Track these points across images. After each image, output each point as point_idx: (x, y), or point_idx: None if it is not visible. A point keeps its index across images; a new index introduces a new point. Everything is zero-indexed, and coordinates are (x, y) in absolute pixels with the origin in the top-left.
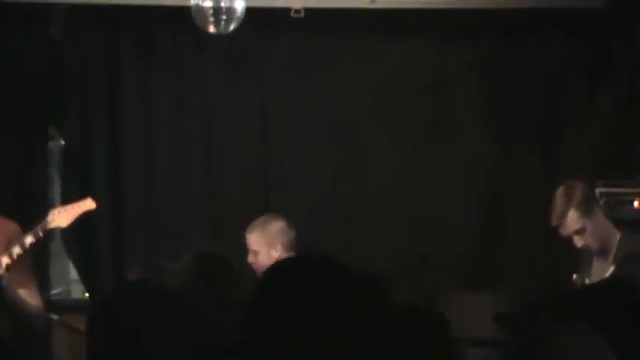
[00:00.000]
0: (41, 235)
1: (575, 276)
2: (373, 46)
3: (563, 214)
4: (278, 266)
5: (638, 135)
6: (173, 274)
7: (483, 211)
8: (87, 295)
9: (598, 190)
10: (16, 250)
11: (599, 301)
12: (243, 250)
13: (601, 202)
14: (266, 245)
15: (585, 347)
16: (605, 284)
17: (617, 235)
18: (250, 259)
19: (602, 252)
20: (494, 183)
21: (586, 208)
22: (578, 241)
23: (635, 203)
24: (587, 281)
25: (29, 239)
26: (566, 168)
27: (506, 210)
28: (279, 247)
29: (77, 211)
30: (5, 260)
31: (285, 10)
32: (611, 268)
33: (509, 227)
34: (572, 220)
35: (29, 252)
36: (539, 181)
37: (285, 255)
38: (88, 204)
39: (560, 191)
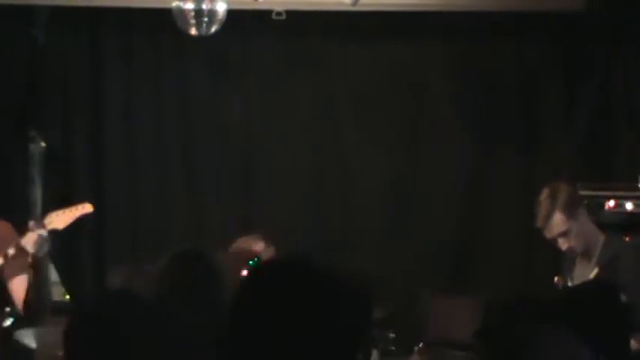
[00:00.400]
0: (38, 235)
1: (556, 278)
2: (354, 48)
3: (549, 216)
4: (257, 270)
5: (617, 136)
6: (152, 276)
7: (464, 213)
8: (67, 297)
9: (580, 193)
10: (11, 252)
11: (582, 303)
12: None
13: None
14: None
15: (562, 347)
16: (588, 287)
17: (600, 237)
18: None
19: (586, 254)
20: (475, 185)
21: (571, 210)
22: (563, 244)
23: (611, 202)
24: (569, 283)
25: (26, 240)
26: (546, 170)
27: (486, 212)
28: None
29: (75, 214)
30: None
31: (267, 12)
32: (595, 271)
33: (490, 229)
34: (558, 222)
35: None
36: (519, 183)
37: None
38: (86, 208)
39: (545, 193)
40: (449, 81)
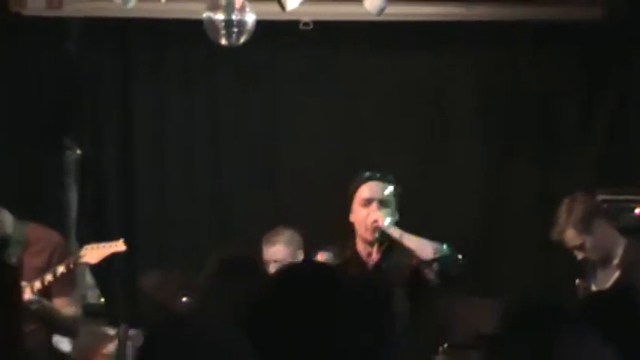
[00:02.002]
0: (72, 267)
1: (578, 281)
2: (379, 57)
3: (562, 230)
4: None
5: (635, 144)
6: (187, 281)
7: (484, 216)
8: (102, 299)
9: (600, 198)
10: (48, 278)
11: (604, 306)
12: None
13: (604, 211)
14: (290, 256)
15: (587, 349)
16: (610, 291)
17: (621, 242)
18: (271, 269)
19: (605, 261)
20: (495, 189)
21: (586, 224)
22: (579, 254)
23: (637, 210)
24: (592, 287)
25: (60, 269)
26: (564, 176)
27: (506, 216)
28: (300, 253)
29: (108, 250)
30: (37, 285)
31: (295, 23)
32: (616, 274)
33: (510, 232)
34: (571, 237)
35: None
36: (538, 187)
37: None
38: (119, 246)
39: (563, 206)
40: (469, 89)
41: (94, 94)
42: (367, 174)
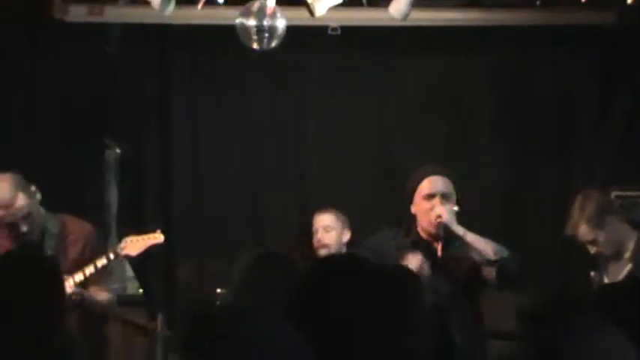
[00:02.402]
0: (112, 259)
1: (592, 273)
2: (404, 61)
3: (575, 226)
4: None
5: None
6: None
7: (505, 214)
8: (141, 291)
9: (613, 194)
10: (89, 270)
11: (618, 299)
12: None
13: (616, 207)
14: (340, 227)
15: (608, 342)
16: (623, 283)
17: (633, 237)
18: (320, 236)
19: (617, 255)
20: (515, 187)
21: (598, 220)
22: (591, 249)
23: None
24: (605, 279)
25: (101, 262)
26: (582, 175)
27: (526, 213)
28: (347, 233)
29: (147, 242)
30: (80, 277)
31: (323, 28)
32: (628, 267)
33: (529, 229)
34: (584, 232)
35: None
36: (556, 186)
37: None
38: (157, 237)
39: (576, 202)
40: (490, 91)
41: (133, 95)
42: (429, 168)
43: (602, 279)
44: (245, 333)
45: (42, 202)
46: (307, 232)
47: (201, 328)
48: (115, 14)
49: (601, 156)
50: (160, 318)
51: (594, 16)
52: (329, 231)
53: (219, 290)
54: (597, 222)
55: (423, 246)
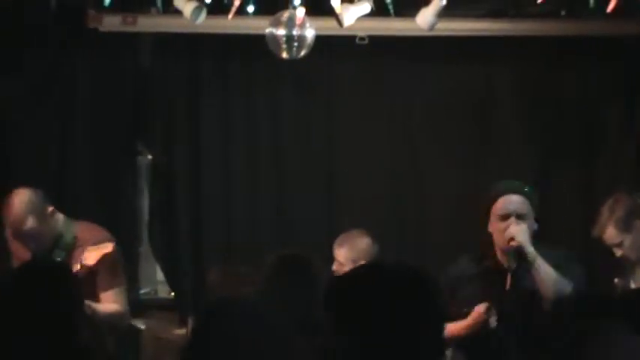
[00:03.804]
0: (79, 268)
1: (616, 280)
2: (430, 70)
3: (603, 228)
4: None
5: None
6: (250, 277)
7: None
8: (172, 294)
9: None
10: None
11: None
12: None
13: None
14: (352, 261)
15: (623, 346)
16: None
17: None
18: (335, 267)
19: None
20: (541, 193)
21: (626, 223)
22: (617, 252)
23: None
24: (631, 284)
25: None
26: (605, 181)
27: (551, 218)
28: (364, 262)
29: (100, 252)
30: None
31: (351, 38)
32: None
33: (554, 233)
34: (611, 234)
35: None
36: (581, 191)
37: None
38: (107, 247)
39: (606, 204)
40: (514, 100)
41: (164, 103)
42: (504, 186)
43: (627, 284)
44: (241, 326)
45: (75, 208)
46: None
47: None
48: (147, 24)
49: (624, 165)
50: (190, 322)
51: (619, 27)
52: (342, 265)
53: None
54: (625, 225)
55: (490, 278)
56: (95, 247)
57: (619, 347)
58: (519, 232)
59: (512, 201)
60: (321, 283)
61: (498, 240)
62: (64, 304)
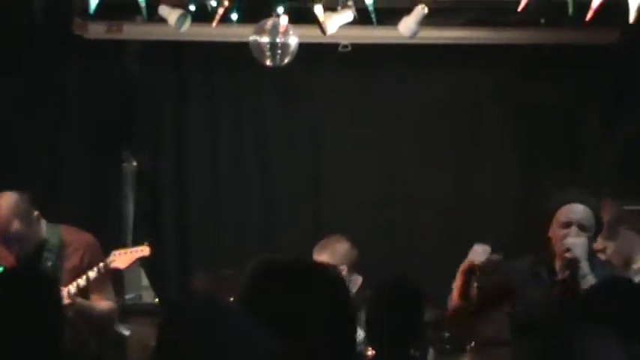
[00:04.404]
0: (103, 272)
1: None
2: (412, 77)
3: None
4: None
5: None
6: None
7: (513, 221)
8: (156, 300)
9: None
10: (81, 282)
11: (604, 298)
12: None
13: (627, 218)
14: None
15: (605, 351)
16: (604, 281)
17: None
18: None
19: (626, 265)
20: (523, 197)
21: (610, 230)
22: (601, 256)
23: None
24: None
25: (92, 274)
26: (587, 183)
27: (534, 222)
28: (345, 267)
29: (135, 256)
30: (72, 290)
31: (334, 45)
32: (637, 278)
33: (533, 236)
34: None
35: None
36: None
37: (348, 274)
38: (144, 250)
39: None
40: (498, 106)
41: (150, 110)
42: (571, 194)
43: None
44: (209, 326)
45: (61, 213)
46: None
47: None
48: (133, 32)
49: (604, 166)
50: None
51: (597, 35)
52: None
53: (232, 299)
54: (609, 232)
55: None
56: (125, 250)
57: (588, 345)
58: (577, 245)
59: (576, 210)
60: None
61: (556, 246)
62: (45, 309)
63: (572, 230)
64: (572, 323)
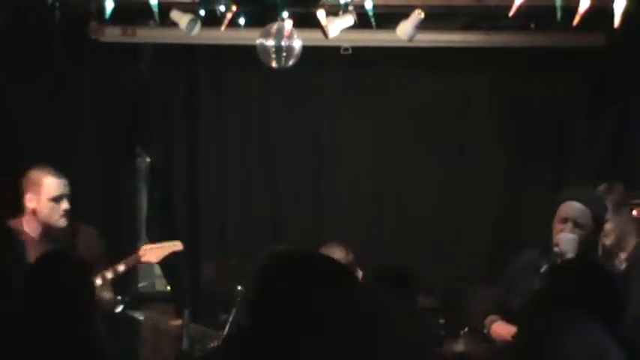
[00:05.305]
0: (132, 266)
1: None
2: (410, 78)
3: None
4: None
5: (634, 151)
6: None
7: (502, 215)
8: (168, 287)
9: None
10: (109, 275)
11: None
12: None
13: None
14: None
15: (595, 348)
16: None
17: (633, 239)
18: None
19: (617, 249)
20: (512, 192)
21: (615, 208)
22: (604, 238)
23: (634, 212)
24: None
25: (122, 267)
26: (573, 180)
27: (521, 214)
28: None
29: (167, 250)
30: (99, 281)
31: (336, 48)
32: (624, 265)
33: (524, 229)
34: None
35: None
36: (549, 191)
37: None
38: (177, 245)
39: (600, 188)
40: (489, 106)
41: (163, 109)
42: (571, 191)
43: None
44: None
45: (78, 207)
46: None
47: None
48: (146, 35)
49: (590, 163)
50: (186, 313)
51: (585, 39)
52: None
53: (239, 287)
54: (614, 210)
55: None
56: (156, 245)
57: (586, 348)
58: (565, 241)
59: (574, 208)
60: None
61: (553, 240)
62: (82, 292)
63: (568, 226)
64: (549, 311)
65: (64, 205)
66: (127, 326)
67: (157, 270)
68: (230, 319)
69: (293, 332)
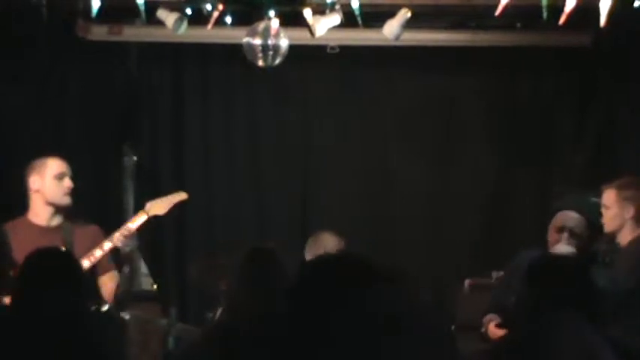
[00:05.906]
0: (144, 221)
1: None
2: (397, 77)
3: (606, 188)
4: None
5: (620, 151)
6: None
7: (490, 214)
8: (154, 286)
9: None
10: (97, 254)
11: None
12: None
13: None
14: None
15: (585, 348)
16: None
17: (632, 235)
18: None
19: (612, 237)
20: (499, 190)
21: (626, 194)
22: (602, 213)
23: None
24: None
25: (132, 226)
26: (559, 179)
27: (508, 214)
28: None
29: (172, 201)
30: (86, 263)
31: (323, 47)
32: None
33: (511, 228)
34: (609, 194)
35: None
36: (536, 191)
37: None
38: (181, 195)
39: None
40: (477, 106)
41: (149, 107)
42: (567, 201)
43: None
44: None
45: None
46: None
47: None
48: (132, 34)
49: (577, 163)
50: (172, 312)
51: (571, 39)
52: None
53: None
54: (625, 195)
55: None
56: (160, 199)
57: (575, 346)
58: (559, 251)
59: (569, 217)
60: (285, 275)
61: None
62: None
63: (564, 236)
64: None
65: (68, 182)
66: (114, 325)
67: (144, 268)
68: (216, 317)
69: (331, 332)
